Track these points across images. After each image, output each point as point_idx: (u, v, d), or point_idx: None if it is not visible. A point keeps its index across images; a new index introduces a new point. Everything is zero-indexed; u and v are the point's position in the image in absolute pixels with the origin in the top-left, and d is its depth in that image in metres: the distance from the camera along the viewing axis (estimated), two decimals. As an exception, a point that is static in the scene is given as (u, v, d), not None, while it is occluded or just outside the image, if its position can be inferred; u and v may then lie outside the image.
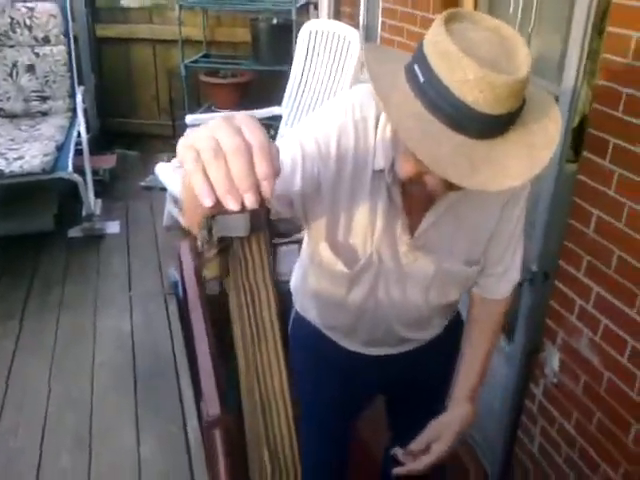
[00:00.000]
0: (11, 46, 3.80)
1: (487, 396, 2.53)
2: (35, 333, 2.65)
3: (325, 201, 1.16)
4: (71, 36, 3.86)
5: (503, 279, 1.39)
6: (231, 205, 0.62)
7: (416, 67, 0.93)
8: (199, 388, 2.05)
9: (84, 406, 2.19)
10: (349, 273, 1.25)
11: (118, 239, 3.49)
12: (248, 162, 0.62)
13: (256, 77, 4.45)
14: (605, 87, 1.69)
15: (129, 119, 4.97)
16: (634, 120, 1.61)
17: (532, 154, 0.96)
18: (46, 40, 3.81)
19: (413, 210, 1.20)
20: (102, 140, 4.65)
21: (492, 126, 0.93)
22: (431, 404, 1.56)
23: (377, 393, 1.68)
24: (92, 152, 3.96)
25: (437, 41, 0.91)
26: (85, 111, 4.09)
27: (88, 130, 3.97)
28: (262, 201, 0.63)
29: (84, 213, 3.42)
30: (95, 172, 3.98)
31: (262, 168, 0.63)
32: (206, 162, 0.62)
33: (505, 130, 0.95)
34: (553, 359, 2.06)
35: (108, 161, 4.25)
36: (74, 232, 3.49)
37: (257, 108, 3.64)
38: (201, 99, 4.60)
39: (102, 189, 4.00)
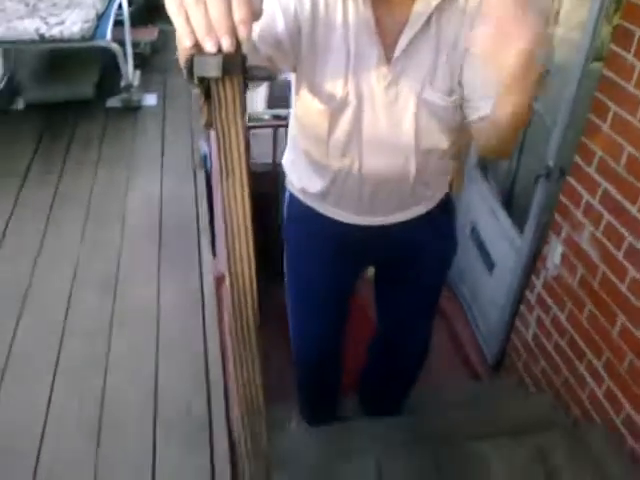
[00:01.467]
0: None
1: (492, 291, 2.64)
2: (71, 186, 2.83)
3: (305, 42, 1.19)
4: None
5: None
6: (208, 47, 0.68)
7: None
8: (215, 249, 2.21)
9: (112, 253, 2.38)
10: (328, 109, 1.27)
11: (154, 111, 3.57)
12: (226, 6, 0.67)
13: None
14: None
15: (173, -7, 4.90)
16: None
17: None
18: None
19: (387, 37, 1.18)
20: (145, 14, 4.61)
21: None
22: (421, 279, 1.64)
23: (367, 266, 1.76)
24: (134, 25, 3.98)
25: None
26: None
27: (130, 3, 3.96)
28: (239, 45, 0.70)
29: (122, 84, 3.48)
30: (136, 45, 4.01)
31: (239, 12, 0.68)
32: (188, 6, 0.68)
33: None
34: (555, 252, 2.13)
35: (149, 34, 4.25)
36: (112, 102, 3.58)
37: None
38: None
39: (142, 62, 4.04)
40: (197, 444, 1.67)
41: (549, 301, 2.19)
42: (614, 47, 1.76)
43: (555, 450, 1.79)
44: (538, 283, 2.25)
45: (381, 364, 1.99)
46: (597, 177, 1.88)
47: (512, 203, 2.65)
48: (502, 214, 2.60)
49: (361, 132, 1.31)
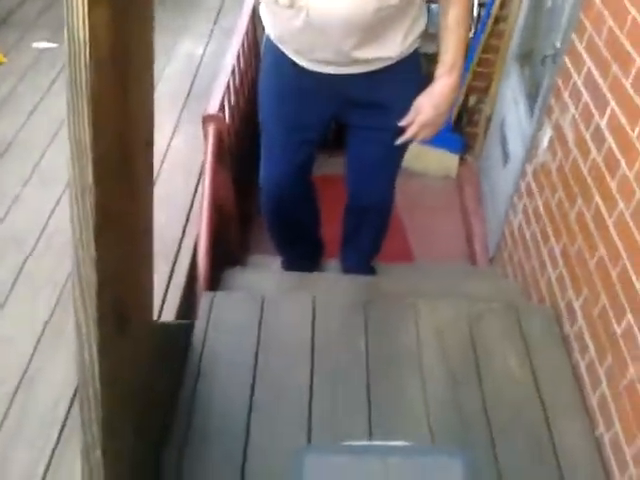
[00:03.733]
0: None
1: (504, 184, 2.62)
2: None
3: None
4: None
5: None
6: None
7: None
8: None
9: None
10: None
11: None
12: None
13: None
14: None
15: None
16: None
17: None
18: None
19: None
20: None
21: None
22: (386, 121, 1.72)
23: (331, 112, 1.83)
24: None
25: None
26: None
27: None
28: None
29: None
30: None
31: None
32: None
33: None
34: (545, 137, 2.08)
35: None
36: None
37: None
38: None
39: None
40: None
41: (534, 189, 2.16)
42: None
43: (485, 317, 1.84)
44: (529, 171, 2.22)
45: (347, 224, 2.11)
46: (584, 55, 1.80)
47: (535, 92, 2.56)
48: (522, 105, 2.52)
49: None
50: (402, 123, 1.66)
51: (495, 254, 2.62)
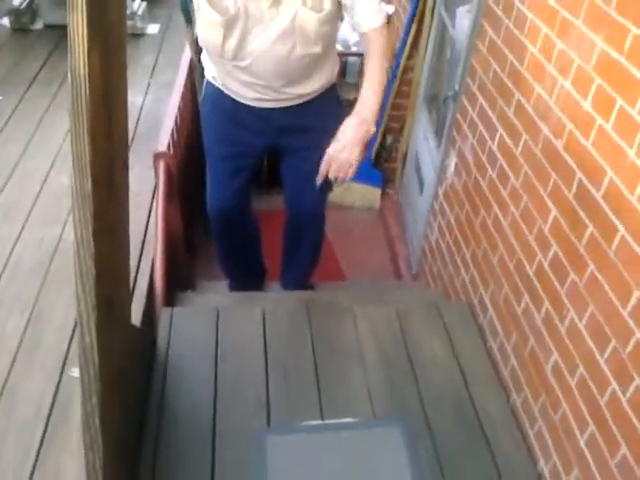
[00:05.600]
0: None
1: (421, 208, 2.98)
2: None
3: None
4: None
5: (371, 14, 1.78)
6: None
7: None
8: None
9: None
10: (222, 20, 1.71)
11: (154, 39, 4.00)
12: None
13: None
14: None
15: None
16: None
17: None
18: None
19: None
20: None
21: None
22: (312, 141, 2.00)
23: (266, 143, 2.12)
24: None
25: None
26: None
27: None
28: None
29: (128, 11, 3.91)
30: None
31: None
32: None
33: None
34: (451, 163, 2.46)
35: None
36: (120, 29, 4.02)
37: None
38: None
39: (152, -4, 4.46)
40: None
41: (445, 207, 2.52)
42: None
43: (412, 314, 2.15)
44: (440, 193, 2.59)
45: (287, 235, 2.39)
46: (477, 94, 2.20)
47: (441, 128, 2.96)
48: (432, 139, 2.92)
49: (248, 41, 1.76)
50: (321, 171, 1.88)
51: (418, 270, 2.96)
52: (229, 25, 1.72)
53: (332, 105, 2.07)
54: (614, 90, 1.37)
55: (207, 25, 1.76)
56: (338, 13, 1.83)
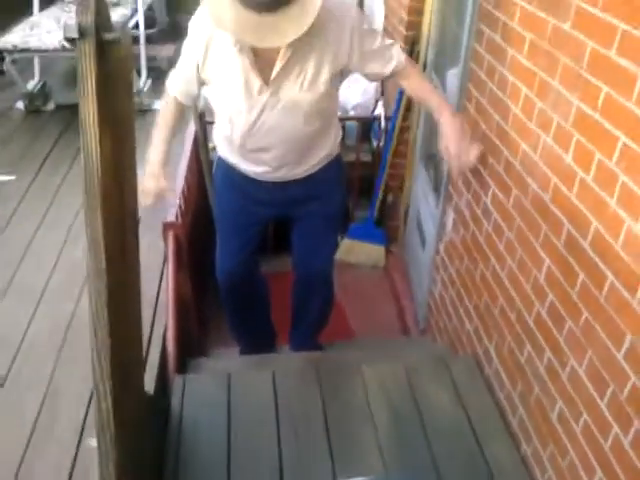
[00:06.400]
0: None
1: (424, 264, 3.05)
2: (81, 173, 3.43)
3: (210, 79, 1.90)
4: None
5: (393, 57, 1.93)
6: None
7: None
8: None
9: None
10: (230, 114, 1.92)
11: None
12: None
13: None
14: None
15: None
16: None
17: (301, 20, 1.57)
18: (119, -61, 4.44)
19: (264, 71, 1.80)
20: (170, 33, 5.30)
21: (270, 7, 1.53)
22: (319, 207, 2.19)
23: (275, 213, 2.25)
24: (155, 42, 4.65)
25: None
26: (151, 6, 4.75)
27: (153, 24, 4.62)
28: None
29: (134, 89, 4.11)
30: (153, 59, 4.68)
31: None
32: None
33: (285, 6, 1.55)
34: (449, 219, 2.54)
35: (167, 50, 4.90)
36: (127, 106, 4.22)
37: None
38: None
39: (159, 73, 4.66)
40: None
41: (447, 261, 2.59)
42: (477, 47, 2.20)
43: (420, 370, 2.18)
44: (441, 247, 2.66)
45: (297, 296, 2.47)
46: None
47: (439, 185, 3.06)
48: (431, 196, 3.01)
49: (253, 130, 1.93)
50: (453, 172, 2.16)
51: (425, 325, 3.00)
52: (235, 117, 1.91)
53: (337, 172, 2.20)
54: (592, 144, 1.46)
55: (218, 116, 1.98)
56: (336, 90, 1.98)
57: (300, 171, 2.07)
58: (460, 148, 1.93)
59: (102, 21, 1.31)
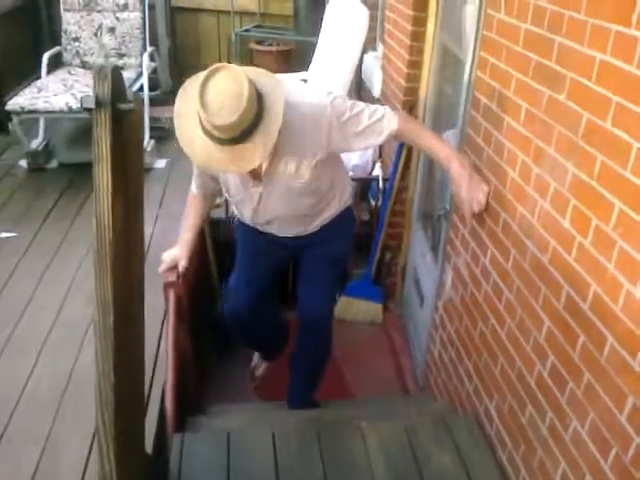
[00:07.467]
0: (98, 11, 4.66)
1: (423, 322, 3.06)
2: (78, 230, 3.47)
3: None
4: (146, 3, 4.65)
5: (384, 129, 2.05)
6: None
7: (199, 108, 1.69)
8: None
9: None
10: (235, 203, 2.22)
11: (162, 173, 4.27)
12: None
13: (297, 46, 5.09)
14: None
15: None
16: None
17: (266, 145, 1.73)
18: (125, 7, 4.63)
19: (256, 174, 2.04)
20: (173, 95, 5.44)
21: (235, 139, 1.68)
22: (326, 249, 2.38)
23: (287, 260, 2.51)
24: (159, 103, 4.78)
25: (193, 94, 1.71)
26: (155, 69, 4.91)
27: (157, 87, 4.77)
28: None
29: (138, 149, 4.21)
30: (157, 119, 4.80)
31: None
32: None
33: (250, 135, 1.70)
34: (448, 278, 2.57)
35: (170, 112, 5.02)
36: (129, 164, 4.32)
37: (294, 72, 4.32)
38: (252, 64, 5.30)
39: (163, 133, 4.80)
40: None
41: (446, 320, 2.61)
42: (474, 114, 2.28)
43: (420, 429, 2.17)
44: (440, 306, 2.68)
45: (296, 343, 2.59)
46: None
47: (437, 244, 3.11)
48: (428, 255, 3.06)
49: (259, 211, 2.18)
50: (466, 215, 2.19)
51: (424, 383, 2.99)
52: (239, 205, 2.21)
53: (347, 219, 2.41)
54: (588, 210, 1.51)
55: (232, 202, 2.30)
56: (333, 165, 2.19)
57: (311, 227, 2.29)
58: (471, 193, 2.06)
59: (118, 92, 1.38)
